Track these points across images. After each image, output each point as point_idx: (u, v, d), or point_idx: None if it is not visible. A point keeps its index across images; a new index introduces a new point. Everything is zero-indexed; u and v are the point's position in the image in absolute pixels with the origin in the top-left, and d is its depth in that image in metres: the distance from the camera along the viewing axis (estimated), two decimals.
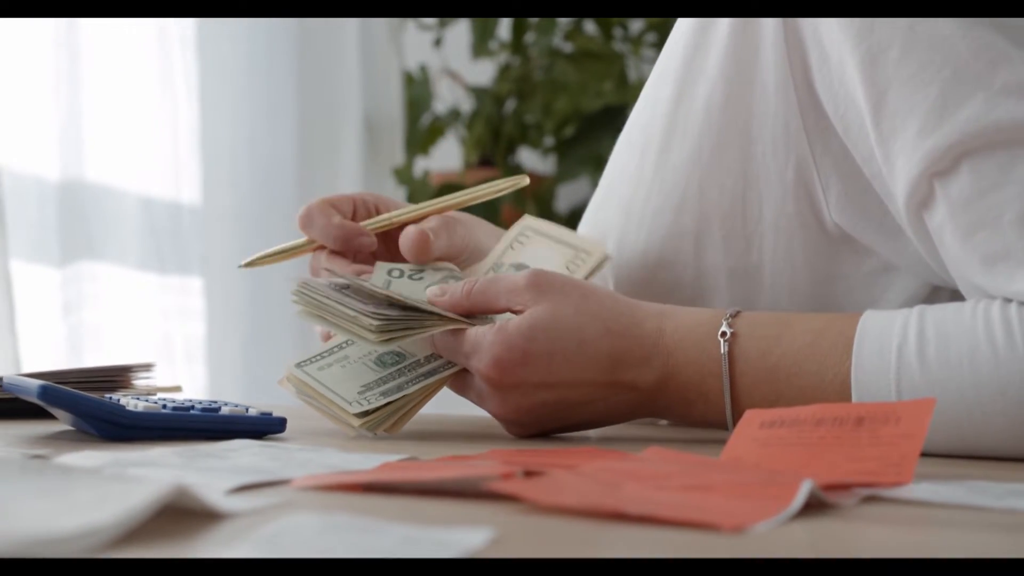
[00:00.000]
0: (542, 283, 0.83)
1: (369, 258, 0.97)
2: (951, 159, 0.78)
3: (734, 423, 0.81)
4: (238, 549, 0.44)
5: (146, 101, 1.95)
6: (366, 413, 0.82)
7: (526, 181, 1.01)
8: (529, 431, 0.86)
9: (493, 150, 2.48)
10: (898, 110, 0.79)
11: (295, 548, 0.45)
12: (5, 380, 0.84)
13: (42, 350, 1.78)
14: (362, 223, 0.96)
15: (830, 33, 0.83)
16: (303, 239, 0.97)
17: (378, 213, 0.99)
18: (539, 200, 2.43)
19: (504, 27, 2.48)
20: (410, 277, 0.93)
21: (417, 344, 0.86)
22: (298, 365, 0.87)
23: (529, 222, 0.99)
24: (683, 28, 0.93)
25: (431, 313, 0.85)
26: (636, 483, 0.58)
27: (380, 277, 0.92)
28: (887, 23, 0.80)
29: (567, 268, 0.94)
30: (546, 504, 0.53)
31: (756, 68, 0.87)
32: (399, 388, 0.84)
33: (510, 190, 1.01)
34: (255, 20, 2.13)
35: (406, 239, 0.93)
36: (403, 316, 0.84)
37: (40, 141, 1.80)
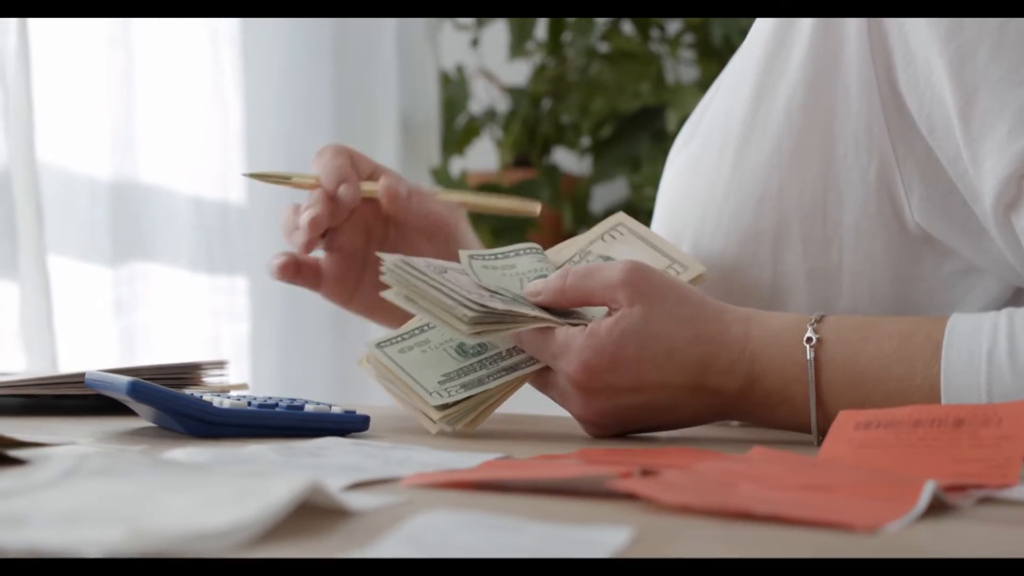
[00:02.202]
0: (638, 281, 0.81)
1: (347, 214, 1.02)
2: None
3: (819, 428, 0.81)
4: (384, 547, 0.44)
5: (197, 101, 1.95)
6: (446, 406, 0.81)
7: (536, 210, 1.05)
8: (608, 432, 0.85)
9: (529, 150, 2.48)
10: (988, 111, 0.79)
11: (439, 546, 0.45)
12: (88, 376, 0.84)
13: (92, 349, 1.79)
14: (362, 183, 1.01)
15: (917, 32, 0.82)
16: (311, 174, 1.01)
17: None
18: (575, 201, 2.42)
19: (541, 27, 2.48)
20: (495, 259, 0.90)
21: (502, 337, 0.85)
22: (378, 345, 0.86)
23: (624, 219, 0.97)
24: (762, 28, 0.93)
25: (527, 312, 0.83)
26: (751, 483, 0.58)
27: (465, 264, 0.89)
28: (977, 22, 0.79)
29: None
30: (670, 503, 0.53)
31: (839, 68, 0.87)
32: (480, 382, 0.83)
33: (517, 214, 1.06)
34: (294, 20, 2.13)
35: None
36: (504, 311, 0.82)
37: (93, 140, 1.80)
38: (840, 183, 0.88)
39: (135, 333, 1.88)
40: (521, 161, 2.48)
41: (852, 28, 0.86)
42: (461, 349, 0.85)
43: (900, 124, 0.85)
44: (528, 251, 0.92)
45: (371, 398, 2.14)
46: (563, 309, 0.85)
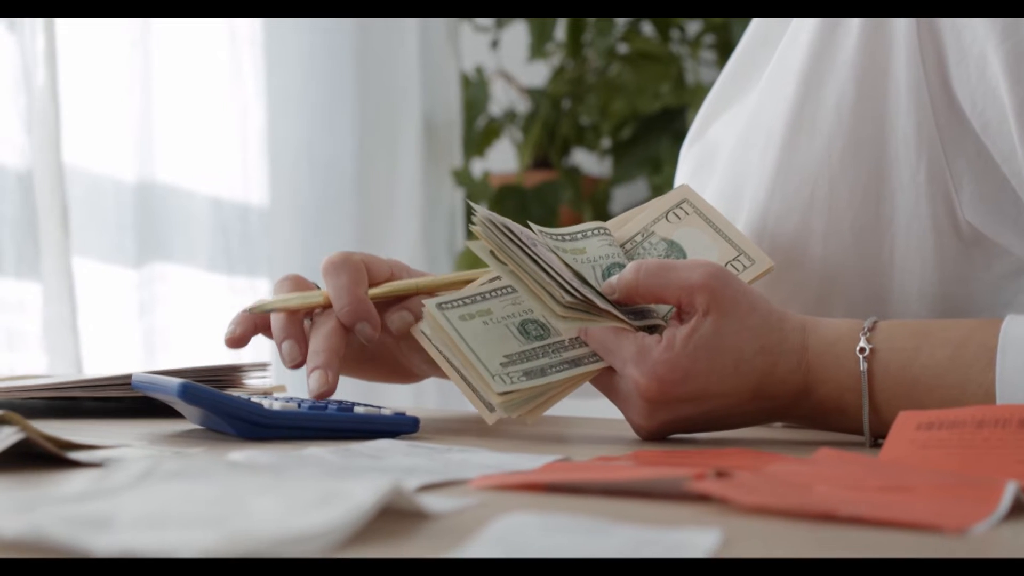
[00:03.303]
0: (716, 289, 0.80)
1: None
2: None
3: (872, 436, 0.81)
4: (475, 550, 0.43)
5: (217, 102, 1.95)
6: (507, 392, 0.79)
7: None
8: (657, 436, 0.84)
9: (548, 151, 2.47)
10: None
11: (527, 549, 0.44)
12: (135, 378, 0.84)
13: (112, 351, 1.78)
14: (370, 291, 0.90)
15: (971, 29, 0.82)
16: (317, 292, 0.91)
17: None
18: (595, 202, 2.42)
19: (560, 29, 2.47)
20: (563, 240, 0.88)
21: (575, 327, 0.82)
22: (439, 306, 0.83)
23: (689, 195, 0.93)
24: (805, 27, 0.92)
25: (612, 311, 0.81)
26: (825, 485, 0.57)
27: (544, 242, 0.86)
28: None
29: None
30: (750, 505, 0.52)
31: (888, 66, 0.86)
32: (543, 371, 0.80)
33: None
34: (316, 20, 2.13)
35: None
36: (600, 308, 0.80)
37: (115, 142, 1.80)
38: (892, 182, 0.87)
39: (155, 334, 1.87)
40: (541, 162, 2.47)
41: (901, 25, 0.85)
42: (523, 329, 0.83)
43: (950, 121, 0.85)
44: (595, 232, 0.90)
45: (395, 399, 2.14)
46: (633, 305, 0.84)
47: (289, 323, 0.90)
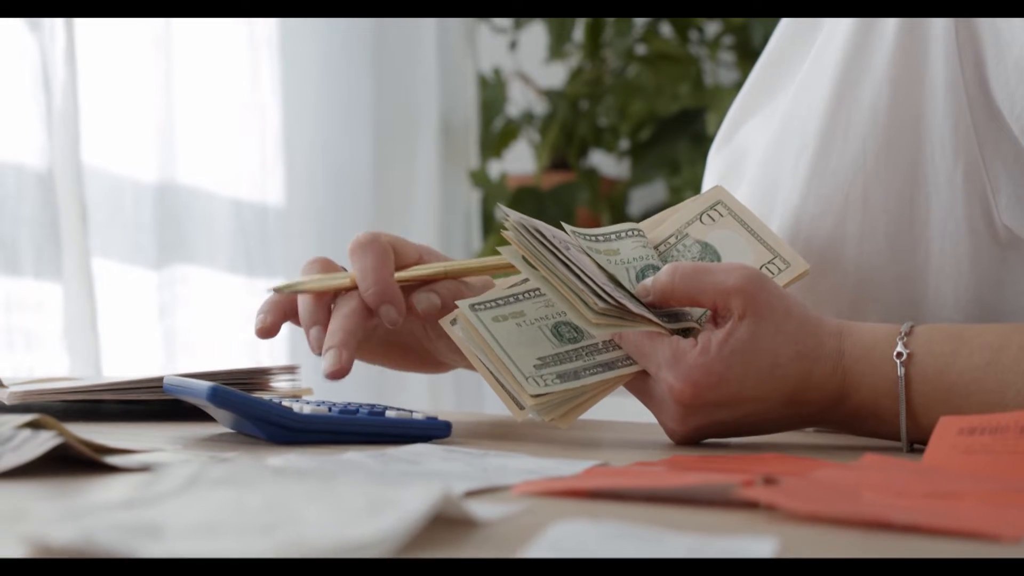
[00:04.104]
0: (752, 292, 0.79)
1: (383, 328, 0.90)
2: None
3: (908, 441, 0.80)
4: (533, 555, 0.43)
5: (235, 103, 1.94)
6: (540, 395, 0.78)
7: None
8: (690, 441, 0.84)
9: (566, 153, 2.46)
10: None
11: (583, 556, 0.43)
12: (166, 381, 0.83)
13: (133, 352, 1.78)
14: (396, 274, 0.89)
15: (1010, 29, 0.81)
16: (344, 274, 0.90)
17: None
18: (612, 204, 2.41)
19: (579, 29, 2.46)
20: (596, 241, 0.87)
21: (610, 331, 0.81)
22: (472, 307, 0.82)
23: (723, 197, 0.92)
24: (840, 29, 0.91)
25: (647, 315, 0.81)
26: (873, 491, 0.56)
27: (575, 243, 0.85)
28: None
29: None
30: (801, 512, 0.51)
31: (926, 67, 0.85)
32: (576, 374, 0.80)
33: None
34: (333, 21, 2.12)
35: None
36: (634, 313, 0.79)
37: (136, 142, 1.80)
38: (927, 185, 0.87)
39: (175, 336, 1.87)
40: (558, 164, 2.47)
41: (938, 25, 0.85)
42: (556, 331, 0.82)
43: (988, 124, 0.84)
44: (629, 233, 0.89)
45: (410, 398, 2.13)
46: (668, 308, 0.83)
47: (316, 308, 0.89)
